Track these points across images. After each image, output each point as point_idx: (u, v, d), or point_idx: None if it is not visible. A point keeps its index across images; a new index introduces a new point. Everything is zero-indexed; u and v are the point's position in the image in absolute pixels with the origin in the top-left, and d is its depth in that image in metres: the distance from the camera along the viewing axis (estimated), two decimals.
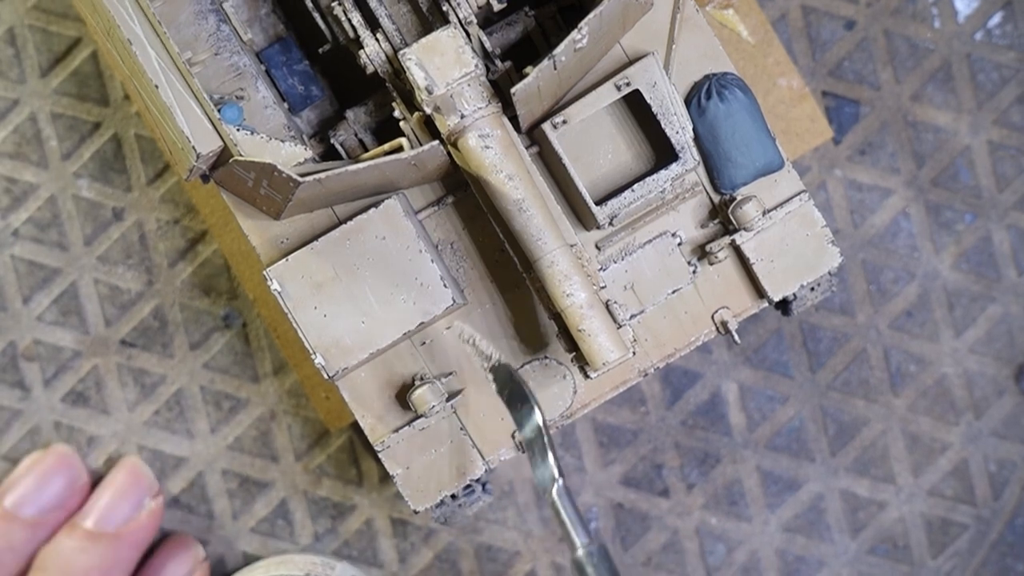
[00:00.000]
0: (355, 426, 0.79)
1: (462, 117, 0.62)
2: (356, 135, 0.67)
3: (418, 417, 0.66)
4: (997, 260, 0.80)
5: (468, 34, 0.63)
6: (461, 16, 0.63)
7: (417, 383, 0.66)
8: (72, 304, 0.79)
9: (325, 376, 0.64)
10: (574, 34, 0.61)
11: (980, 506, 0.80)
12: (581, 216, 0.66)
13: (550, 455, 0.62)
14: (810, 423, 0.80)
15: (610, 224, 0.65)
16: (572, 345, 0.64)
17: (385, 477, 0.79)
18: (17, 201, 0.79)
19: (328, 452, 0.80)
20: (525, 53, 0.67)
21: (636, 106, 0.65)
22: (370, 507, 0.80)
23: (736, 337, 0.67)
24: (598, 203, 0.64)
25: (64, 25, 0.79)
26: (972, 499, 0.80)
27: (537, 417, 0.62)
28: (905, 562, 0.80)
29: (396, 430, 0.67)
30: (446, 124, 0.62)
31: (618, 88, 0.64)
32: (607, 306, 0.64)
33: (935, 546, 0.80)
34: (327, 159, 0.68)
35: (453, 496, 0.68)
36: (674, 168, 0.64)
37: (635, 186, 0.64)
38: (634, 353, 0.64)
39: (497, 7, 0.64)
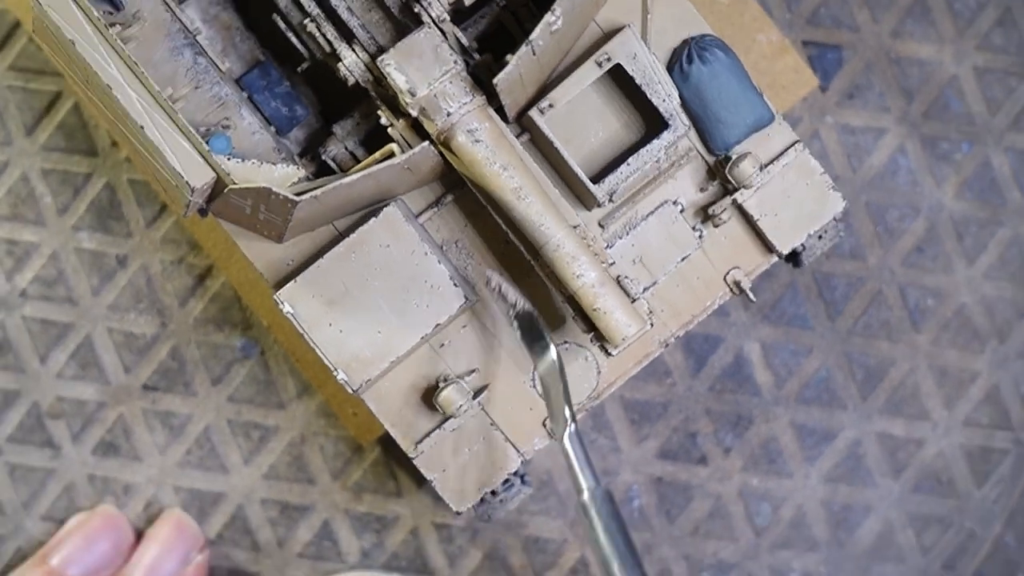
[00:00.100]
0: (387, 437, 0.79)
1: (448, 115, 0.62)
2: (346, 148, 0.67)
3: (447, 419, 0.66)
4: (999, 184, 0.80)
5: (443, 32, 0.63)
6: (434, 15, 0.63)
7: (442, 385, 0.66)
8: (89, 356, 0.80)
9: (350, 391, 0.64)
10: (548, 17, 0.61)
11: (1018, 429, 0.80)
12: (580, 196, 0.66)
13: (564, 394, 0.62)
14: (837, 371, 0.80)
15: (610, 200, 0.65)
16: (590, 325, 0.63)
17: (423, 483, 0.79)
18: (20, 262, 0.79)
19: (363, 467, 0.80)
20: (502, 44, 0.67)
21: (620, 80, 0.65)
22: (412, 516, 0.80)
23: (751, 296, 0.67)
24: (595, 181, 0.64)
25: (43, 81, 0.79)
26: (1008, 423, 0.80)
27: (552, 353, 0.63)
28: (951, 496, 0.80)
29: (427, 435, 0.67)
30: (434, 124, 0.62)
31: (599, 65, 0.64)
32: (618, 282, 0.64)
33: (978, 475, 0.80)
34: (320, 176, 0.68)
35: (493, 492, 0.68)
36: (666, 136, 0.64)
37: (630, 159, 0.64)
38: (652, 325, 0.64)
39: (468, 1, 0.64)
